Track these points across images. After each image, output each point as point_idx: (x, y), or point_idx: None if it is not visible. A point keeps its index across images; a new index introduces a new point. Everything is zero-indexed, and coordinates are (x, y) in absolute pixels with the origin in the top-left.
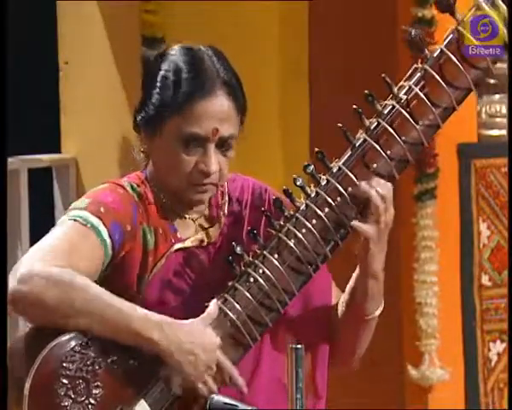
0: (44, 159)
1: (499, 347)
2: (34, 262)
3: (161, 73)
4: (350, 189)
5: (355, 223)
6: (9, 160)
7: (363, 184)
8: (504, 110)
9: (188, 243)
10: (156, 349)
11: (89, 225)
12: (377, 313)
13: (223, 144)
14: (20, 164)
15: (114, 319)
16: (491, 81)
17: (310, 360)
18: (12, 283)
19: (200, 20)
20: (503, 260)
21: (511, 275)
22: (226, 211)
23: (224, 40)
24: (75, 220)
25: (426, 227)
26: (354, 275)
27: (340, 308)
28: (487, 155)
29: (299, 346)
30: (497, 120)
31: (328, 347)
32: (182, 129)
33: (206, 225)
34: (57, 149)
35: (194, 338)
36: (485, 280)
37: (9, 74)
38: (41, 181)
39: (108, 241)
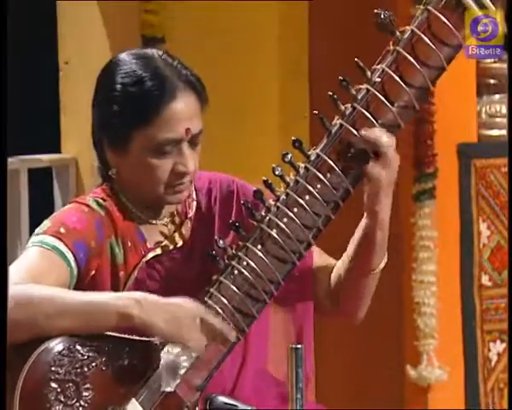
0: (44, 159)
1: (499, 347)
2: None
3: (119, 86)
4: (329, 175)
5: (368, 167)
6: (9, 160)
7: (372, 132)
8: (504, 110)
9: (158, 251)
10: (138, 324)
11: (49, 248)
12: (381, 266)
13: (194, 141)
14: (20, 164)
15: (90, 310)
16: (491, 81)
17: (295, 339)
18: None
19: (201, 20)
20: (503, 260)
21: (511, 275)
22: (194, 208)
23: (224, 40)
24: (36, 246)
25: (424, 227)
26: (360, 227)
27: (344, 264)
28: (487, 155)
29: (298, 346)
30: (497, 120)
31: (332, 302)
32: (154, 138)
33: (175, 228)
34: (57, 149)
35: (173, 304)
36: (485, 280)
37: (9, 74)
38: (41, 181)
39: (72, 259)
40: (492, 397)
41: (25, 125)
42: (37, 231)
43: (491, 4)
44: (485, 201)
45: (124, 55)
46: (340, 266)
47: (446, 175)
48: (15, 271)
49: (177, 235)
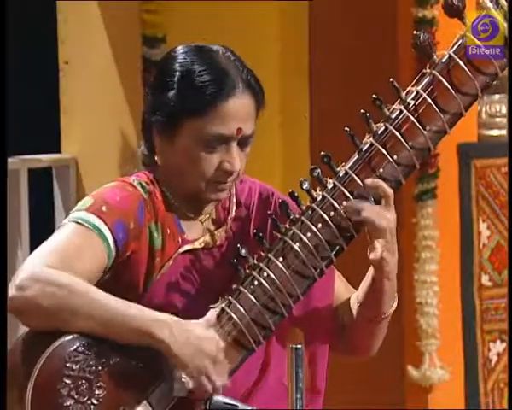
0: (44, 159)
1: (499, 347)
2: (33, 268)
3: (178, 74)
4: (356, 193)
5: (369, 213)
6: (9, 160)
7: (375, 182)
8: (504, 110)
9: (196, 245)
10: (164, 348)
11: (90, 226)
12: (392, 310)
13: (243, 142)
14: (20, 164)
15: (118, 320)
16: None
17: (310, 356)
18: (11, 290)
19: (201, 20)
20: (503, 260)
21: (511, 275)
22: (233, 214)
23: (224, 40)
24: (76, 222)
25: (426, 227)
26: (367, 278)
27: (355, 307)
28: (487, 155)
29: (299, 346)
30: (497, 120)
31: (344, 342)
32: (205, 130)
33: (212, 228)
34: (57, 149)
35: (199, 338)
36: (485, 280)
37: (10, 74)
38: (41, 181)
39: (111, 240)
40: (492, 397)
41: (25, 125)
42: (77, 206)
43: (505, 3)
44: (485, 201)
45: (187, 47)
46: (352, 307)
47: (446, 175)
48: (49, 249)
49: (214, 235)
